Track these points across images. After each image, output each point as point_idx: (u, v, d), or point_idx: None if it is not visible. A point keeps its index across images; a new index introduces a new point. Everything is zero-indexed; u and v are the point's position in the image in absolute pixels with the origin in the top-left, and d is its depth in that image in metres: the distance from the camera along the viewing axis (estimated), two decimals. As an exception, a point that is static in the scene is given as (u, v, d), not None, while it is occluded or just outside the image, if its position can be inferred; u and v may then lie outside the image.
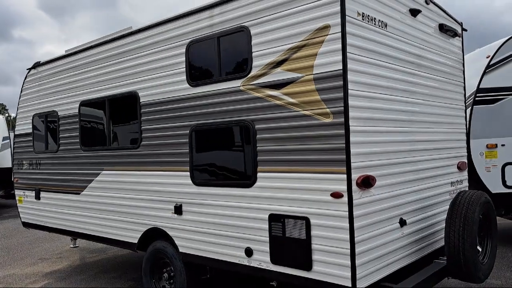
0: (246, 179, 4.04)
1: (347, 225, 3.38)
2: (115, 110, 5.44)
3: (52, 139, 6.45)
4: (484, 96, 6.88)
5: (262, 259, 3.95)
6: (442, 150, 4.70)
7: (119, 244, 5.46)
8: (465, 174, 5.19)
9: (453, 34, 4.97)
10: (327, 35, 3.47)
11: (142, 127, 5.03)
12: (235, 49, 4.15)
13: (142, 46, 5.02)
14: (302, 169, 3.65)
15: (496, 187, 6.74)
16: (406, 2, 4.18)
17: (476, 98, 6.88)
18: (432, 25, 4.61)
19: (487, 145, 6.78)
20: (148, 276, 5.11)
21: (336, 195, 3.43)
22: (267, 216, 3.88)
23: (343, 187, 3.39)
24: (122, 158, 5.30)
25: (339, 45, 3.39)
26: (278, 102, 3.78)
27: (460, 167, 5.02)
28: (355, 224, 3.38)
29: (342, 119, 3.38)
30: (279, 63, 3.78)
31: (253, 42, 3.97)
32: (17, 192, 7.33)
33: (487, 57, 7.03)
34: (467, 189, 5.18)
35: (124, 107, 5.29)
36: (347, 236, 3.38)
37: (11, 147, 14.52)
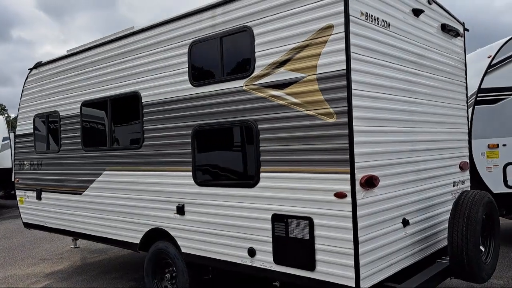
0: (249, 179, 4.04)
1: (350, 225, 3.38)
2: (117, 110, 5.43)
3: (54, 140, 6.44)
4: (486, 96, 6.88)
5: (265, 259, 3.94)
6: (444, 150, 4.70)
7: (121, 245, 5.46)
8: (467, 174, 5.19)
9: (455, 34, 4.97)
10: (330, 35, 3.46)
11: (144, 127, 5.03)
12: (238, 49, 4.15)
13: (144, 46, 5.02)
14: (305, 169, 3.65)
15: (497, 187, 6.75)
16: (409, 2, 4.18)
17: (478, 98, 6.88)
18: (434, 25, 4.61)
19: (488, 145, 6.79)
20: (150, 276, 5.11)
21: (340, 195, 3.43)
22: (270, 216, 3.88)
23: (346, 187, 3.39)
24: (124, 159, 5.30)
25: (343, 45, 3.38)
26: (281, 102, 3.78)
27: (462, 167, 5.02)
28: (359, 224, 3.38)
29: (346, 119, 3.37)
30: (282, 63, 3.77)
31: (256, 42, 3.97)
32: (18, 192, 7.32)
33: (489, 57, 7.03)
34: (469, 189, 5.18)
35: (126, 107, 5.29)
36: (351, 236, 3.38)
37: (11, 148, 14.51)
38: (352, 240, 3.37)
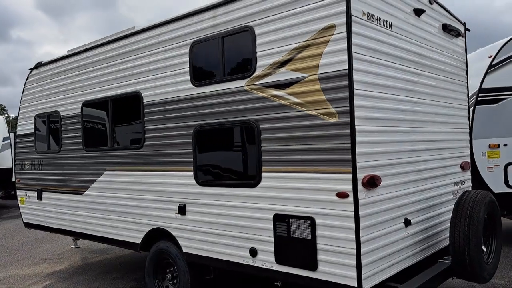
0: (251, 179, 4.04)
1: (352, 225, 3.38)
2: (118, 110, 5.43)
3: (54, 140, 6.44)
4: (486, 96, 6.88)
5: (266, 259, 3.94)
6: (446, 150, 4.70)
7: (122, 245, 5.46)
8: (468, 174, 5.19)
9: (456, 34, 4.97)
10: (332, 34, 3.46)
11: (146, 127, 5.02)
12: (239, 49, 4.14)
13: (146, 46, 5.02)
14: (307, 169, 3.65)
15: (498, 187, 6.74)
16: (410, 2, 4.18)
17: (478, 98, 6.88)
18: (435, 25, 4.61)
19: (489, 145, 6.79)
20: (152, 276, 5.10)
21: (342, 195, 3.43)
22: (271, 216, 3.88)
23: (348, 187, 3.39)
24: (125, 158, 5.30)
25: (345, 45, 3.38)
26: (283, 102, 3.77)
27: (463, 167, 5.02)
28: (361, 224, 3.38)
29: (348, 119, 3.37)
30: (283, 63, 3.77)
31: (257, 42, 3.96)
32: (19, 192, 7.32)
33: (489, 57, 7.03)
34: (470, 189, 5.18)
35: (127, 107, 5.29)
36: (353, 236, 3.38)
37: (11, 148, 14.51)
38: (354, 240, 3.37)
